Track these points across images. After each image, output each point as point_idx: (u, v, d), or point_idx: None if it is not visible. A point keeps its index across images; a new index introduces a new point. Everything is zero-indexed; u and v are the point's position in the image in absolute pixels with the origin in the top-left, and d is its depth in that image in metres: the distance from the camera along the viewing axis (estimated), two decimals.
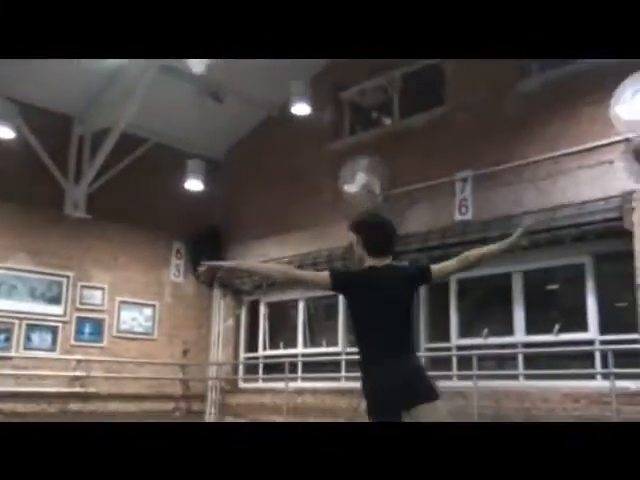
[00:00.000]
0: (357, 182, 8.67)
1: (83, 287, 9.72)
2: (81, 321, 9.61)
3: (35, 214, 9.23)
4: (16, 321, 8.94)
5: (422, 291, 8.61)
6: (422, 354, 8.37)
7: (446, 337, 8.29)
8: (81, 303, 9.66)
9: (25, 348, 8.98)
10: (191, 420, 10.46)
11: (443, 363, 8.22)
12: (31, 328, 9.08)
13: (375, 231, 3.50)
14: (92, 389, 9.48)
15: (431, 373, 8.05)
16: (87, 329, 9.67)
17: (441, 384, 8.03)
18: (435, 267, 3.53)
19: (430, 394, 3.29)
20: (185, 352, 10.75)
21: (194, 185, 10.17)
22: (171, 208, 10.46)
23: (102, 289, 9.93)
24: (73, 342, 9.47)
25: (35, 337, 9.11)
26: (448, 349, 8.21)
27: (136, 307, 10.28)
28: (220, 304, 11.11)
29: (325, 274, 3.41)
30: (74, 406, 9.32)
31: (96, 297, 9.86)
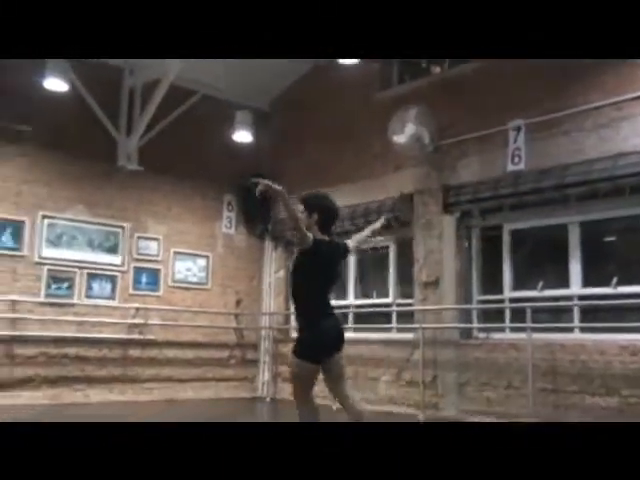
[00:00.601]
0: (406, 133, 8.52)
1: (139, 238, 9.96)
2: (138, 271, 9.89)
3: (91, 167, 9.43)
4: (77, 270, 9.26)
5: (475, 243, 8.52)
6: (474, 306, 8.36)
7: (499, 289, 8.21)
8: (138, 253, 9.92)
9: (86, 296, 9.32)
10: (246, 368, 10.76)
11: (496, 315, 8.17)
12: (92, 277, 9.39)
13: (330, 213, 4.33)
14: (150, 336, 9.80)
15: (484, 325, 8.16)
16: (144, 279, 9.95)
17: (495, 336, 8.04)
18: (350, 244, 4.56)
19: (343, 345, 4.23)
20: (238, 302, 10.97)
21: (243, 137, 10.20)
22: (221, 160, 10.54)
23: (157, 240, 10.16)
24: (131, 291, 9.77)
25: (95, 286, 9.43)
26: (501, 301, 8.15)
27: (190, 258, 10.49)
28: (271, 256, 11.25)
29: (310, 237, 4.09)
30: (133, 352, 9.67)
31: (152, 248, 10.10)
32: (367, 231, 4.84)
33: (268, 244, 11.26)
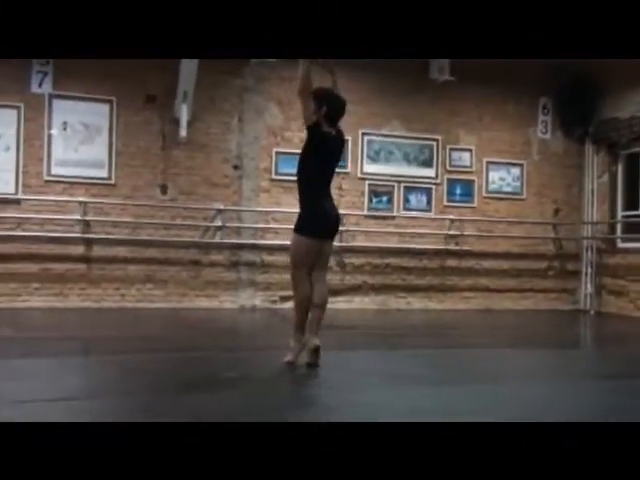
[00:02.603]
0: None
1: (451, 149, 9.93)
2: (452, 183, 9.93)
3: (404, 82, 9.55)
4: (395, 184, 9.64)
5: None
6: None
7: None
8: (450, 165, 9.92)
9: (404, 209, 9.69)
10: (566, 280, 10.28)
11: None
12: (408, 190, 9.71)
13: (338, 107, 4.62)
14: (466, 247, 9.87)
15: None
16: (458, 190, 9.96)
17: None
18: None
19: (337, 232, 4.79)
20: (556, 211, 10.40)
21: None
22: (535, 62, 9.80)
23: (469, 150, 10.02)
24: (446, 202, 9.88)
25: (412, 198, 9.74)
26: None
27: (503, 167, 10.17)
28: (592, 160, 10.34)
29: (314, 118, 4.49)
30: (451, 262, 9.87)
31: (464, 159, 10.01)
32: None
33: (589, 148, 10.35)
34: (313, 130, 4.52)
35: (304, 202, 4.59)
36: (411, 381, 4.34)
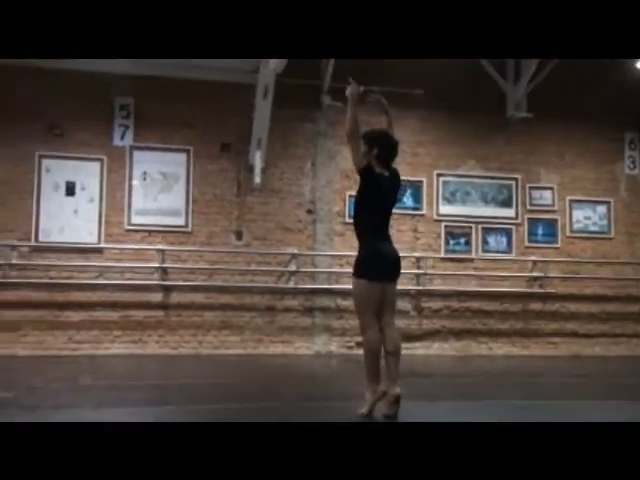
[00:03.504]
0: None
1: (531, 188, 9.59)
2: (533, 222, 9.56)
3: (479, 121, 9.35)
4: (473, 225, 9.37)
5: None
6: None
7: None
8: (531, 204, 9.57)
9: (483, 250, 9.37)
10: None
11: None
12: (487, 231, 9.40)
13: (388, 147, 4.49)
14: (550, 289, 9.41)
15: None
16: (540, 230, 9.57)
17: None
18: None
19: (399, 274, 4.56)
20: None
21: None
22: (619, 95, 9.40)
23: (551, 189, 9.65)
24: (527, 243, 9.50)
25: (491, 240, 9.42)
26: None
27: (588, 205, 9.73)
28: None
29: (365, 162, 4.40)
30: (534, 306, 9.43)
31: (546, 198, 9.64)
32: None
33: None
34: (365, 173, 4.44)
35: (362, 245, 4.51)
36: None
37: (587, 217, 9.72)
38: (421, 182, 9.25)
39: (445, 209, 9.31)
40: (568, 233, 9.63)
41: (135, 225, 8.56)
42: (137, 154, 8.65)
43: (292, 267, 8.82)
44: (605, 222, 9.76)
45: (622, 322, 9.57)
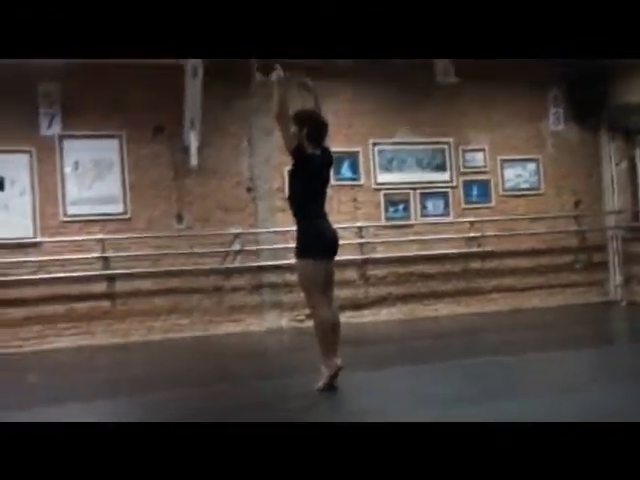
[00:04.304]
0: None
1: (464, 151, 9.82)
2: (467, 184, 9.81)
3: (410, 88, 9.46)
4: (411, 191, 9.55)
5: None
6: None
7: None
8: (464, 167, 9.81)
9: (422, 215, 9.58)
10: (593, 272, 10.10)
11: None
12: (424, 196, 9.61)
13: (319, 127, 4.62)
14: (488, 248, 9.73)
15: None
16: (474, 191, 9.84)
17: None
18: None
19: (337, 250, 4.66)
20: (577, 203, 10.23)
21: None
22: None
23: (482, 150, 9.90)
24: (464, 205, 9.76)
25: (429, 204, 9.63)
26: None
27: (519, 163, 10.04)
28: (609, 148, 10.17)
29: (295, 142, 4.50)
30: (474, 265, 9.74)
31: (478, 159, 9.89)
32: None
33: (604, 136, 10.18)
34: (296, 154, 4.53)
35: (301, 226, 4.60)
36: (448, 401, 4.15)
37: (518, 175, 10.04)
38: (357, 152, 9.34)
39: (383, 177, 9.44)
40: (501, 192, 9.93)
41: (71, 216, 8.35)
42: (67, 142, 8.39)
43: (236, 246, 8.82)
44: (535, 179, 10.10)
45: (557, 274, 10.00)
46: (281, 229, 8.92)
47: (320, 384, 4.50)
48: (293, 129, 4.54)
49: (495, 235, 9.76)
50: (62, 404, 4.73)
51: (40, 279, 8.14)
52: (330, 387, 4.48)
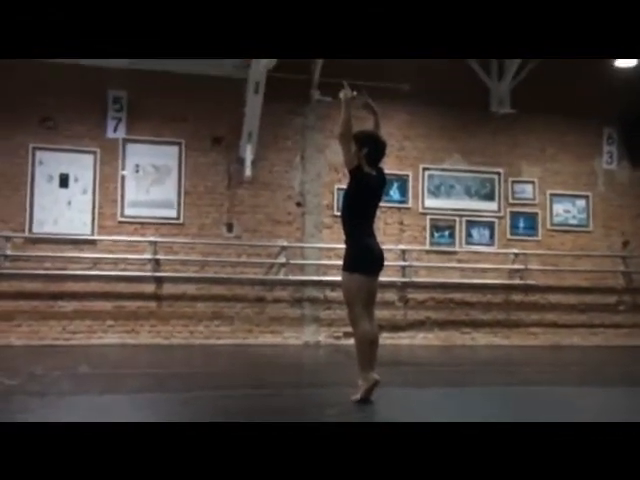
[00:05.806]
0: None
1: (514, 182, 9.87)
2: (515, 215, 9.84)
3: (464, 116, 9.59)
4: (457, 218, 9.63)
5: None
6: None
7: None
8: (513, 198, 9.85)
9: (467, 243, 9.65)
10: (637, 314, 9.96)
11: None
12: (470, 224, 9.67)
13: (378, 148, 4.74)
14: (531, 281, 9.71)
15: None
16: (521, 223, 9.86)
17: None
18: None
19: (383, 268, 4.79)
20: (625, 243, 10.15)
21: (625, 62, 9.20)
22: (599, 92, 9.69)
23: (532, 183, 9.93)
24: (509, 236, 9.78)
25: (474, 232, 9.69)
26: None
27: (568, 199, 10.03)
28: None
29: (355, 161, 4.61)
30: (515, 297, 9.72)
31: (527, 191, 9.93)
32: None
33: None
34: (356, 173, 4.66)
35: (352, 241, 4.71)
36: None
37: (567, 210, 10.03)
38: (407, 176, 9.49)
39: (430, 202, 9.56)
40: (548, 226, 9.93)
41: (128, 217, 8.70)
42: (130, 146, 8.78)
43: (282, 259, 9.03)
44: (584, 215, 10.07)
45: (599, 313, 9.91)
46: (326, 245, 9.10)
47: (357, 396, 4.62)
48: (353, 148, 4.67)
49: (539, 269, 9.74)
50: (113, 394, 4.97)
51: (93, 275, 8.49)
52: (366, 400, 4.60)
